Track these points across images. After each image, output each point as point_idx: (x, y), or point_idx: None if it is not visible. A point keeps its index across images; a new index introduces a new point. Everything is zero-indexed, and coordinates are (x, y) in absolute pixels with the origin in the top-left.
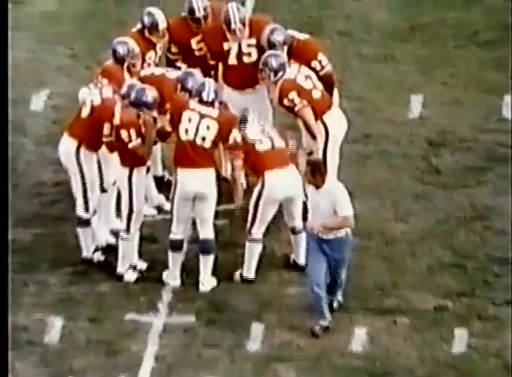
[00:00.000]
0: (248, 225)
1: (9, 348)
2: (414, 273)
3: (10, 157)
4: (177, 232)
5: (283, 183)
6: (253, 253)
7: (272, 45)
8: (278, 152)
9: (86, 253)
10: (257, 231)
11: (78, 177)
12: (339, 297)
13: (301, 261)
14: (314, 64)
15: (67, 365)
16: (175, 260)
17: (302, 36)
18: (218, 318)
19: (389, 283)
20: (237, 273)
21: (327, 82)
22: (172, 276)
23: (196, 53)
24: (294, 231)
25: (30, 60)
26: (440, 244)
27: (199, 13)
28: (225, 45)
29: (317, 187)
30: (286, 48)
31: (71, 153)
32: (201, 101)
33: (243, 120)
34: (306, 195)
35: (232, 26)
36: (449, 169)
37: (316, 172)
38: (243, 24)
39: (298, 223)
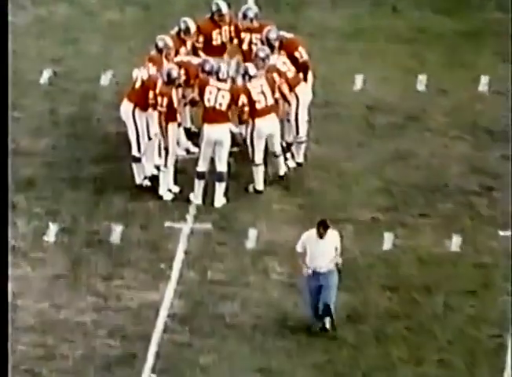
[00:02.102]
0: (250, 155)
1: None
2: (357, 195)
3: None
4: (202, 166)
5: (267, 125)
6: (258, 173)
7: (268, 40)
8: (268, 107)
9: (138, 180)
10: (258, 158)
11: (133, 129)
12: (331, 320)
13: (259, 187)
14: (296, 54)
15: (126, 257)
16: (199, 185)
17: (289, 35)
18: (227, 225)
19: (340, 202)
20: (251, 186)
21: (305, 67)
22: (196, 197)
23: (214, 43)
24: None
25: (100, 52)
26: (375, 176)
27: (225, 11)
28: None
29: (321, 237)
30: (278, 42)
31: (129, 112)
32: (218, 79)
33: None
34: (282, 135)
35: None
36: (381, 125)
37: (323, 227)
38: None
39: (278, 149)
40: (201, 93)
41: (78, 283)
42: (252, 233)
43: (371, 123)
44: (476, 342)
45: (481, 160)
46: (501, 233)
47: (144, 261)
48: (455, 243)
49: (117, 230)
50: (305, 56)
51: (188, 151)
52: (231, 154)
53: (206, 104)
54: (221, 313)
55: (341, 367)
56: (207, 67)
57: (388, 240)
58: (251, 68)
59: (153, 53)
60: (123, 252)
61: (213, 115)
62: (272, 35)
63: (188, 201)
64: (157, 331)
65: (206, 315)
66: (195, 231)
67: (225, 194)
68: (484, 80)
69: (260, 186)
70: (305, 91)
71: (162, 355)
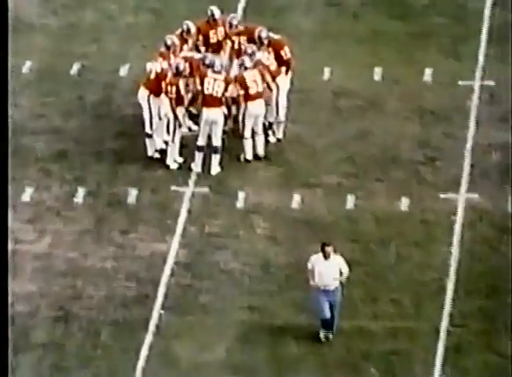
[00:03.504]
0: (241, 131)
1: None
2: (325, 165)
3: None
4: (201, 141)
5: (257, 108)
6: (247, 146)
7: (259, 38)
8: (258, 93)
9: (150, 153)
10: (247, 133)
11: (147, 111)
12: (331, 332)
13: (249, 157)
14: (282, 52)
15: (139, 215)
16: (199, 157)
17: (277, 36)
18: (220, 189)
19: (312, 171)
20: (241, 156)
21: (288, 64)
22: (197, 166)
23: (211, 41)
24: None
25: (119, 49)
26: (340, 149)
27: (217, 16)
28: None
29: (327, 258)
30: (267, 40)
31: (145, 97)
32: (214, 71)
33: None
34: (266, 116)
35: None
36: (345, 108)
37: (328, 250)
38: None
39: (260, 128)
40: (201, 83)
41: (101, 236)
42: (241, 196)
43: (337, 107)
44: (421, 284)
45: (426, 136)
46: (442, 196)
47: (154, 218)
48: (405, 203)
49: (132, 193)
50: (289, 55)
51: (189, 129)
52: (224, 132)
53: (205, 91)
54: (217, 261)
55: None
56: (207, 61)
57: (350, 201)
58: (247, 61)
59: (162, 49)
60: (137, 211)
61: (211, 101)
62: (263, 34)
63: (190, 169)
64: (165, 275)
65: (204, 262)
66: (196, 194)
67: (220, 164)
68: (429, 72)
69: (249, 156)
70: (284, 81)
71: (169, 295)
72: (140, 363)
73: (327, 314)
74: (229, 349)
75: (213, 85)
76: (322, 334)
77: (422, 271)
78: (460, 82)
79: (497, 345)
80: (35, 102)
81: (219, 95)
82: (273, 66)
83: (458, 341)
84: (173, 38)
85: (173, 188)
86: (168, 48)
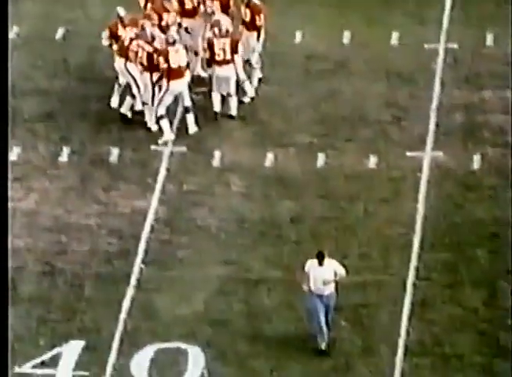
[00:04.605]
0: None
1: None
2: (297, 124)
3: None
4: (162, 110)
5: (224, 72)
6: (215, 99)
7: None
8: (226, 59)
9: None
10: (214, 89)
11: (128, 77)
12: (326, 338)
13: (234, 113)
14: (256, 17)
15: (121, 173)
16: (165, 124)
17: (257, 1)
18: (197, 148)
19: (285, 130)
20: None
21: (259, 30)
22: (167, 133)
23: (186, 7)
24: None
25: (103, 15)
26: (311, 110)
27: None
28: None
29: (321, 264)
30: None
31: (122, 65)
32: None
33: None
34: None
35: None
36: (316, 70)
37: (320, 256)
38: None
39: (232, 90)
40: (166, 59)
41: (85, 193)
42: (217, 154)
43: (308, 69)
44: (389, 239)
45: (393, 97)
46: (408, 154)
47: (135, 176)
48: (372, 161)
49: (114, 152)
50: (262, 22)
51: None
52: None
53: (172, 65)
54: (194, 217)
55: (286, 259)
56: (170, 40)
57: (321, 159)
58: (224, 25)
59: (137, 17)
60: (119, 169)
61: (176, 73)
62: None
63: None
64: (145, 231)
65: (182, 218)
66: (174, 153)
67: (197, 124)
68: (395, 35)
69: (217, 108)
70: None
71: (150, 250)
72: (122, 315)
73: (322, 321)
74: (207, 301)
75: (176, 57)
76: (323, 345)
77: (390, 226)
78: (425, 45)
79: (461, 298)
80: (23, 65)
81: (183, 65)
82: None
83: (424, 294)
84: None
85: (153, 147)
86: (147, 17)
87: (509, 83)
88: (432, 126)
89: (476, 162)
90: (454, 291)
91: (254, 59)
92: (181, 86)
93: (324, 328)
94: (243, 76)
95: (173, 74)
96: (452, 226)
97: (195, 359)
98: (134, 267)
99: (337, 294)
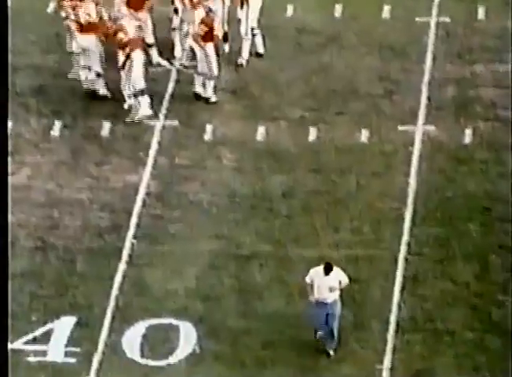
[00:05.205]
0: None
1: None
2: (289, 98)
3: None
4: (141, 84)
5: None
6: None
7: None
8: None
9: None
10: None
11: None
12: (333, 345)
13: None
14: None
15: (113, 147)
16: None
17: None
18: (188, 121)
19: (276, 104)
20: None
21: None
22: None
23: None
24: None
25: None
26: (303, 83)
27: None
28: None
29: (327, 274)
30: None
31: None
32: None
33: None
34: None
35: None
36: (307, 44)
37: (329, 268)
38: None
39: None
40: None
41: (77, 168)
42: (209, 128)
43: (299, 42)
44: (381, 213)
45: (385, 70)
46: (400, 128)
47: (127, 150)
48: (364, 135)
49: (106, 126)
50: None
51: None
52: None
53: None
54: (186, 192)
55: (277, 233)
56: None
57: (313, 133)
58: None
59: None
60: (111, 143)
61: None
62: None
63: (162, 103)
64: (137, 206)
65: (174, 193)
66: (166, 126)
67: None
68: (387, 9)
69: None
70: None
71: (141, 225)
72: (114, 291)
73: (325, 327)
74: (198, 277)
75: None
76: (331, 351)
77: (382, 200)
78: (417, 19)
79: (453, 272)
80: (14, 39)
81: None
82: None
83: (416, 269)
84: None
85: (145, 121)
86: None
87: (501, 57)
88: (424, 100)
89: (468, 136)
90: (445, 266)
91: (243, 30)
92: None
93: (334, 332)
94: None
95: (130, 43)
96: (444, 200)
97: (187, 335)
98: (126, 242)
99: (341, 303)
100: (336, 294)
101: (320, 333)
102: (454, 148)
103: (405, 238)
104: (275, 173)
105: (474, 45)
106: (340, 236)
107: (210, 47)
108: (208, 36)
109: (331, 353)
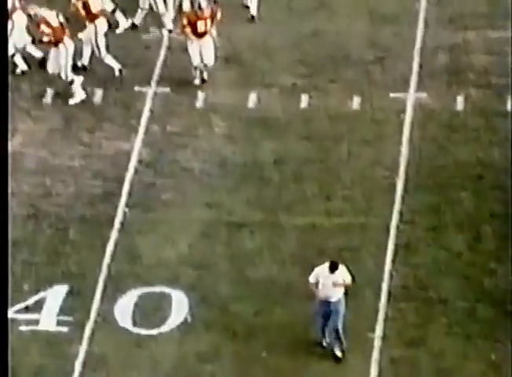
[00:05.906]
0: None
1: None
2: (280, 65)
3: None
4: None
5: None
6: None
7: None
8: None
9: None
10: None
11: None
12: (340, 345)
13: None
14: None
15: (105, 114)
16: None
17: None
18: (180, 88)
19: (268, 71)
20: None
21: None
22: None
23: None
24: None
25: None
26: (294, 50)
27: None
28: None
29: (332, 272)
30: None
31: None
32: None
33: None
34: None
35: None
36: (299, 9)
37: (334, 267)
38: None
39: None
40: None
41: (69, 135)
42: (200, 95)
43: (290, 7)
44: (372, 181)
45: (376, 36)
46: (391, 95)
47: (119, 117)
48: (356, 102)
49: (98, 93)
50: None
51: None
52: None
53: None
54: (178, 159)
55: (268, 201)
56: None
57: (304, 100)
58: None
59: None
60: (103, 110)
61: None
62: None
63: (153, 70)
64: (129, 173)
65: (166, 160)
66: (158, 93)
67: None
68: None
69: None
70: None
71: (133, 193)
72: (106, 259)
73: (326, 324)
74: (190, 244)
75: None
76: (338, 353)
77: (373, 168)
78: None
79: (445, 241)
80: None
81: None
82: None
83: (408, 237)
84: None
85: (137, 88)
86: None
87: (493, 23)
88: (415, 67)
89: (460, 103)
90: (438, 234)
91: None
92: None
93: (339, 331)
94: None
95: None
96: (436, 168)
97: (179, 303)
98: (118, 210)
99: (346, 302)
100: (340, 293)
101: (327, 341)
102: (446, 116)
103: (397, 206)
104: (266, 140)
105: (466, 12)
106: (332, 204)
107: None
108: None
109: (339, 354)
